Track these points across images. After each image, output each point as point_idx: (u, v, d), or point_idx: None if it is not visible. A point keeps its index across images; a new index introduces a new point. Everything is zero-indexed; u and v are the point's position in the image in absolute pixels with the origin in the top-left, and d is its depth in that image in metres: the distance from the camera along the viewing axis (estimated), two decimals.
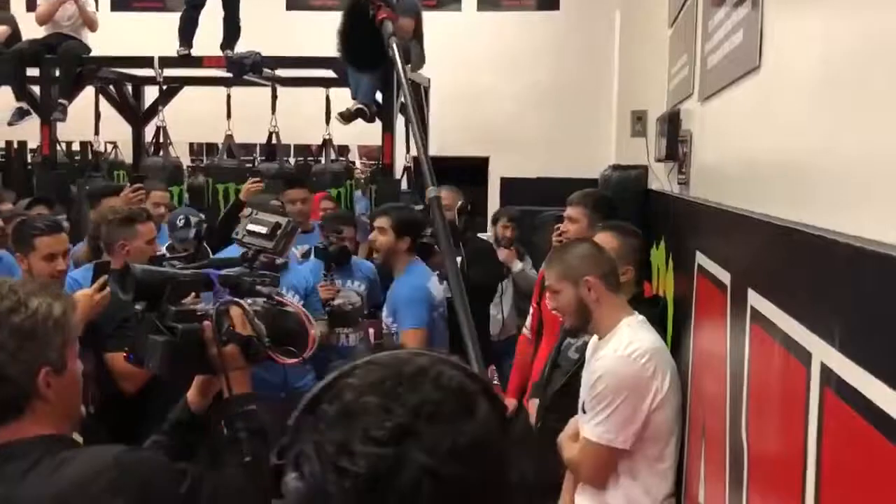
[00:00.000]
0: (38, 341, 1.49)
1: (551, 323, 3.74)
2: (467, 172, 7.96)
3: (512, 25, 9.97)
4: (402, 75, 3.64)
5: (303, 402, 0.86)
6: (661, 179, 4.02)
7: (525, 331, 4.23)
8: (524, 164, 9.25)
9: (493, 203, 9.07)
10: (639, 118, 4.65)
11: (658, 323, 2.98)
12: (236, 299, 1.84)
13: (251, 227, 1.95)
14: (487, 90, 9.58)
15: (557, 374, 3.25)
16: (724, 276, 2.16)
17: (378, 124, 6.69)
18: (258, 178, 5.50)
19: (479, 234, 6.04)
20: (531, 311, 4.17)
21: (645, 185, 4.58)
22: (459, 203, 5.33)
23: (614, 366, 2.56)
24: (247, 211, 2.08)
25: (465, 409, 0.83)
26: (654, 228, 3.98)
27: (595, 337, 2.75)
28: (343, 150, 9.13)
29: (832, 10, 1.50)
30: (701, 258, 2.66)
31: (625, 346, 2.57)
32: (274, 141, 7.54)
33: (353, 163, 9.10)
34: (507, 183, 9.40)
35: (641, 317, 2.71)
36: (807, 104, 1.62)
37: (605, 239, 2.99)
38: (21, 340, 1.48)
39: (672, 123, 3.56)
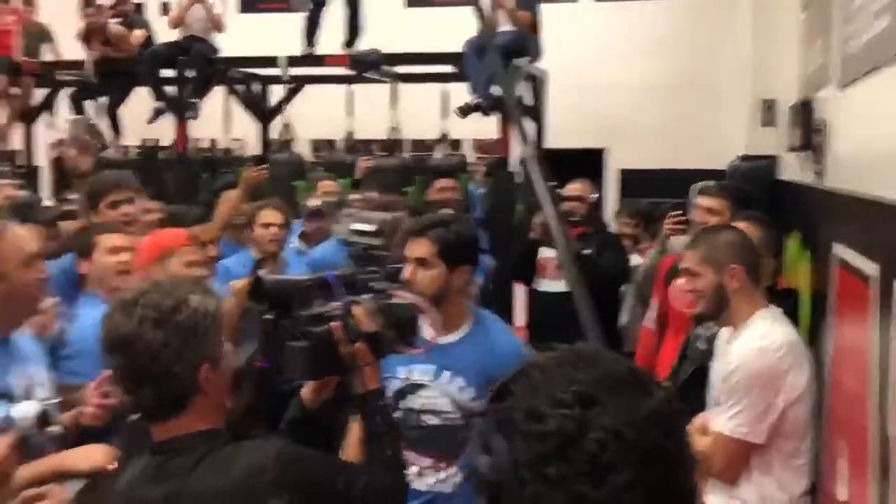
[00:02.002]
0: (200, 338, 1.52)
1: (676, 314, 3.69)
2: (581, 164, 7.91)
3: (630, 14, 9.82)
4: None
5: (491, 392, 0.90)
6: (793, 170, 3.90)
7: (648, 322, 4.19)
8: (643, 155, 9.09)
9: (610, 196, 8.97)
10: (768, 107, 4.51)
11: (790, 316, 2.91)
12: (357, 298, 1.86)
13: (357, 226, 2.01)
14: (605, 81, 9.45)
15: (685, 365, 3.21)
16: (870, 268, 2.10)
17: (494, 118, 6.73)
18: (263, 167, 5.50)
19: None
20: (654, 302, 4.13)
21: (775, 176, 4.46)
22: (592, 195, 5.24)
23: (748, 358, 2.51)
24: (346, 211, 2.10)
25: (642, 385, 0.88)
26: (785, 220, 3.87)
27: (727, 328, 2.70)
28: (457, 144, 9.23)
29: None
30: (841, 249, 2.59)
31: (759, 339, 2.53)
32: (393, 136, 7.69)
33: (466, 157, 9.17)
34: (626, 175, 9.28)
35: (778, 309, 2.65)
36: None
37: (746, 229, 2.92)
38: (185, 338, 1.51)
39: (806, 112, 3.46)
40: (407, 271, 2.44)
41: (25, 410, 2.02)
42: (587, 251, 4.66)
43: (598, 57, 9.51)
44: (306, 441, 1.82)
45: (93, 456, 2.02)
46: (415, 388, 2.53)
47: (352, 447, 2.00)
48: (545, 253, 4.91)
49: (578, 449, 0.81)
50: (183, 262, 3.12)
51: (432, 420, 2.52)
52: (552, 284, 4.88)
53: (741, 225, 2.98)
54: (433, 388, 2.52)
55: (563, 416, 0.82)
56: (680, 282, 3.43)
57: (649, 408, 0.85)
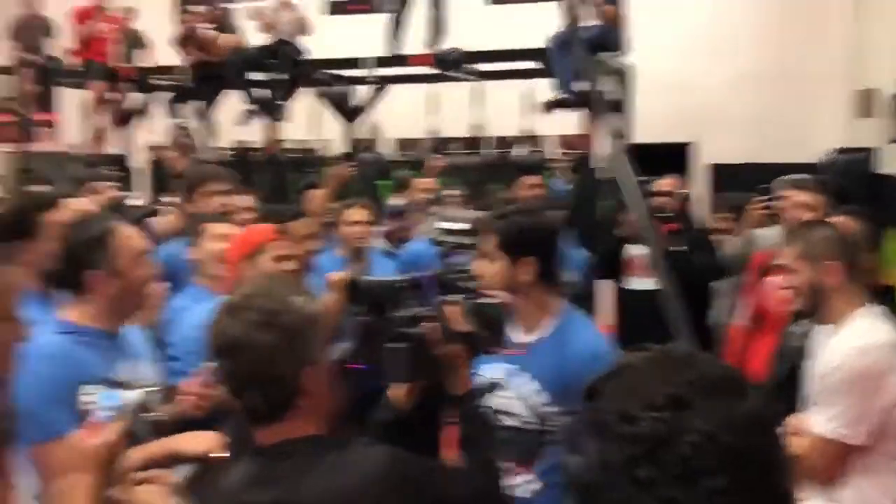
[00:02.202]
0: (305, 339, 1.51)
1: (771, 312, 3.60)
2: (669, 159, 7.77)
3: (719, 3, 9.60)
4: None
5: (584, 391, 0.90)
6: (894, 162, 3.76)
7: (739, 320, 4.09)
8: (733, 148, 8.88)
9: (698, 190, 8.78)
10: (866, 97, 4.36)
11: (890, 315, 2.80)
12: (451, 297, 1.84)
13: (447, 224, 1.99)
14: (694, 73, 9.26)
15: (779, 363, 3.13)
16: None
17: (579, 113, 6.68)
18: (349, 164, 5.55)
19: None
20: (747, 300, 4.03)
21: (873, 169, 4.30)
22: (683, 190, 5.14)
23: (848, 357, 2.43)
24: (433, 209, 2.10)
25: (737, 387, 0.87)
26: (884, 214, 3.73)
27: (824, 326, 2.62)
28: (540, 140, 9.19)
29: None
30: None
31: (860, 337, 2.44)
32: (475, 134, 7.71)
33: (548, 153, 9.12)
34: (716, 169, 9.08)
35: (879, 307, 2.56)
36: None
37: (844, 224, 2.83)
38: (291, 340, 1.49)
39: None
40: (475, 266, 2.39)
41: (129, 397, 2.10)
42: (678, 248, 4.58)
43: (685, 49, 9.33)
44: (399, 444, 1.76)
45: (203, 441, 2.08)
46: (493, 387, 2.43)
47: (447, 449, 1.93)
48: (633, 250, 4.84)
49: (670, 452, 0.81)
50: (272, 258, 3.14)
51: (508, 422, 2.41)
52: (641, 282, 4.81)
53: (840, 220, 2.89)
54: (509, 390, 2.42)
55: (655, 419, 0.82)
56: (774, 279, 3.36)
57: (744, 410, 0.84)
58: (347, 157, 8.05)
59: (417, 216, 5.11)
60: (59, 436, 1.94)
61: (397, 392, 1.85)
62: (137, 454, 1.99)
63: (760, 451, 0.83)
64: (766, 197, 3.96)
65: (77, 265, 2.17)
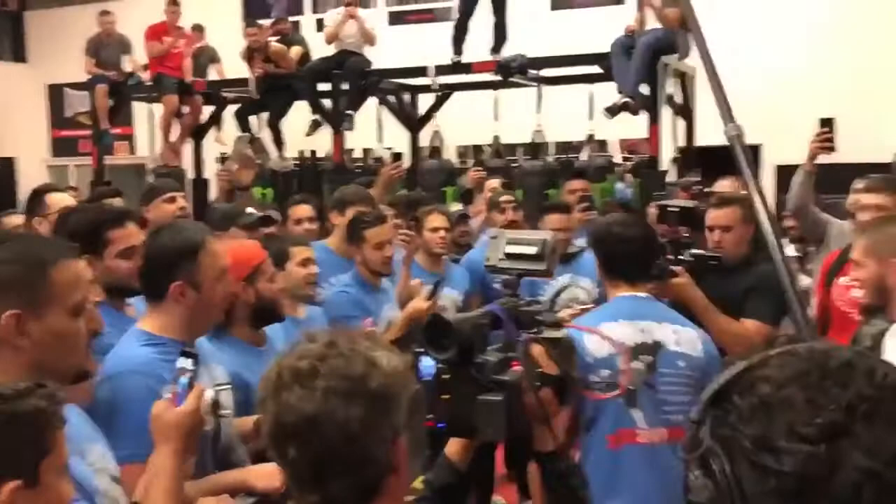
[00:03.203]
0: (396, 406, 1.23)
1: (840, 314, 3.56)
2: (734, 161, 7.69)
3: (787, 2, 9.46)
4: None
5: (706, 396, 0.78)
6: None
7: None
8: (801, 149, 8.69)
9: (768, 194, 8.64)
10: None
11: None
12: (534, 335, 1.57)
13: (512, 249, 1.67)
14: (759, 73, 9.13)
15: None
16: None
17: (642, 117, 6.68)
18: (398, 163, 5.55)
19: None
20: (816, 299, 3.98)
21: None
22: (742, 192, 5.09)
23: None
24: (492, 232, 1.82)
25: None
26: None
27: (895, 325, 2.61)
28: (603, 145, 9.16)
29: None
30: None
31: None
32: (538, 139, 7.75)
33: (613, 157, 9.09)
34: (783, 170, 8.93)
35: None
36: None
37: None
38: (381, 410, 1.22)
39: None
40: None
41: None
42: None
43: (751, 49, 9.22)
44: None
45: (273, 477, 1.99)
46: None
47: None
48: None
49: (824, 492, 0.69)
50: (297, 262, 3.19)
51: None
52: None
53: None
54: None
55: (808, 455, 0.69)
56: (844, 279, 3.32)
57: None
58: (413, 165, 8.17)
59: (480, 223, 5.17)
60: (144, 460, 1.82)
61: (455, 449, 1.57)
62: (207, 483, 2.05)
63: None
64: (826, 129, 3.88)
65: (164, 273, 2.15)
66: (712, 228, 3.51)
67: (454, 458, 1.56)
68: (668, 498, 2.54)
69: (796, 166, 4.00)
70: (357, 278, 3.72)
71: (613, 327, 2.66)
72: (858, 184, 3.65)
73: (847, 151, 4.01)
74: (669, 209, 3.52)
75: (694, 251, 3.40)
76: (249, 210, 4.20)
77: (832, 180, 4.71)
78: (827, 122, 3.84)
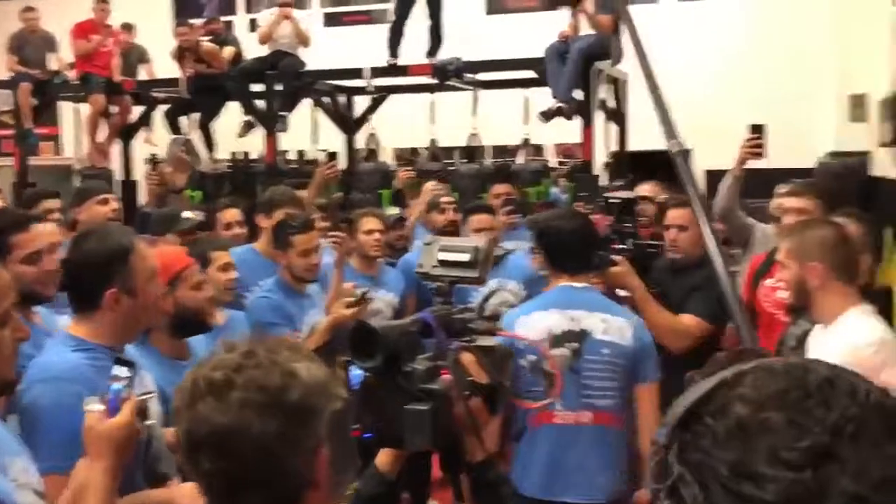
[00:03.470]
0: (314, 420, 1.18)
1: (767, 314, 3.65)
2: (664, 166, 7.85)
3: (712, 11, 9.69)
4: None
5: (674, 417, 0.71)
6: (886, 166, 3.82)
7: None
8: (728, 155, 8.92)
9: None
10: (858, 102, 4.42)
11: (883, 314, 2.86)
12: (465, 343, 1.54)
13: (444, 255, 1.64)
14: (688, 80, 9.32)
15: None
16: None
17: (575, 122, 6.75)
18: (332, 163, 5.62)
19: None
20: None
21: (867, 173, 4.36)
22: (662, 196, 5.23)
23: (840, 355, 2.48)
24: (427, 239, 1.76)
25: (891, 429, 0.67)
26: (878, 217, 3.78)
27: (818, 325, 2.68)
28: (537, 149, 9.25)
29: None
30: None
31: (851, 335, 2.50)
32: (474, 143, 7.78)
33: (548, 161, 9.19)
34: (711, 175, 9.15)
35: (870, 307, 2.62)
36: None
37: (843, 225, 2.87)
38: (299, 423, 1.17)
39: None
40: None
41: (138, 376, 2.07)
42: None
43: (680, 56, 9.41)
44: None
45: (198, 498, 2.00)
46: None
47: None
48: None
49: None
50: (217, 267, 3.15)
51: None
52: None
53: (839, 220, 2.94)
54: None
55: (792, 482, 0.64)
56: (770, 280, 3.41)
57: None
58: (348, 167, 8.13)
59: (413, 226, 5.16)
60: (68, 471, 1.77)
61: (385, 459, 1.53)
62: (131, 499, 1.99)
63: None
64: (756, 135, 3.98)
65: (95, 280, 2.08)
66: (668, 227, 3.60)
67: (384, 468, 1.52)
68: (589, 473, 2.81)
69: (726, 171, 4.09)
70: (280, 283, 3.66)
71: (544, 315, 2.87)
72: (782, 188, 3.75)
73: (772, 156, 4.11)
74: (611, 201, 3.64)
75: (634, 241, 3.50)
76: (186, 214, 4.10)
77: (757, 184, 4.84)
78: (757, 129, 3.94)
